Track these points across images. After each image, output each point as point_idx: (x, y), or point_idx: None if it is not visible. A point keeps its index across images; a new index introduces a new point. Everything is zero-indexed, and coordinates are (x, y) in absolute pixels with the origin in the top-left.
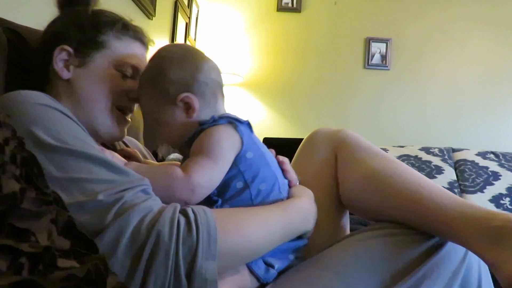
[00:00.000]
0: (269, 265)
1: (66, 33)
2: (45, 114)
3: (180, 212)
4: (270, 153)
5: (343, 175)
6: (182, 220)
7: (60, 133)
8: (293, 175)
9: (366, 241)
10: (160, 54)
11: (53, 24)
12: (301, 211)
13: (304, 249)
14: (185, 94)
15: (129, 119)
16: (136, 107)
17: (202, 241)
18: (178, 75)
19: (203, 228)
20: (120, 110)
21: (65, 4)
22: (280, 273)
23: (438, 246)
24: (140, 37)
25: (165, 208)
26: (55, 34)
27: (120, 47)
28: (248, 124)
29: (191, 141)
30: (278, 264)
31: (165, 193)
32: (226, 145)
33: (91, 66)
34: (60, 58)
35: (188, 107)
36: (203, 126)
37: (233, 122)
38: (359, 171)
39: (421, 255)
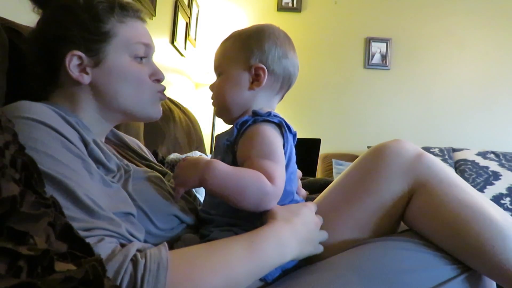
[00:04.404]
0: None
1: (69, 35)
2: (31, 131)
3: (131, 259)
4: (296, 167)
5: (417, 218)
6: (127, 276)
7: (40, 154)
8: (302, 191)
9: (391, 251)
10: (267, 25)
11: (48, 26)
12: (275, 240)
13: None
14: (263, 66)
15: (164, 94)
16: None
17: None
18: (270, 49)
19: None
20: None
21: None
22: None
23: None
24: (139, 15)
25: (115, 254)
26: (57, 38)
27: (127, 30)
28: (295, 135)
29: (241, 126)
30: None
31: (254, 203)
32: (281, 149)
33: (107, 62)
34: (74, 65)
35: (256, 79)
36: (258, 118)
37: (283, 126)
38: (437, 220)
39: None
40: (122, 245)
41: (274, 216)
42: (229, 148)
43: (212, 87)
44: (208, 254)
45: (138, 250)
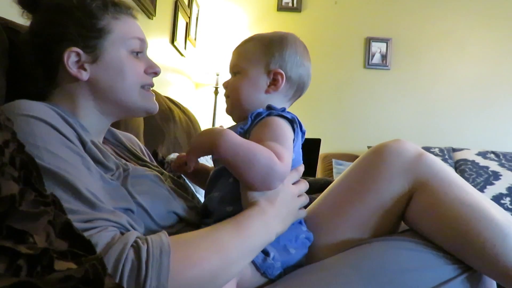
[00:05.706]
0: (265, 253)
1: (66, 33)
2: (31, 128)
3: (132, 246)
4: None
5: (418, 218)
6: (129, 262)
7: (40, 149)
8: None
9: (391, 250)
10: (289, 34)
11: (43, 27)
12: (259, 220)
13: (310, 245)
14: (282, 71)
15: (153, 93)
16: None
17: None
18: (290, 56)
19: (153, 273)
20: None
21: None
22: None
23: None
24: (131, 12)
25: (115, 242)
26: (54, 38)
27: (121, 26)
28: (304, 134)
29: (256, 117)
30: (274, 253)
31: (260, 176)
32: (291, 140)
33: (104, 57)
34: (72, 62)
35: (273, 84)
36: (272, 111)
37: (296, 122)
38: (438, 219)
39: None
40: (123, 234)
41: (255, 202)
42: (242, 136)
43: (227, 84)
44: (202, 236)
45: (138, 238)
